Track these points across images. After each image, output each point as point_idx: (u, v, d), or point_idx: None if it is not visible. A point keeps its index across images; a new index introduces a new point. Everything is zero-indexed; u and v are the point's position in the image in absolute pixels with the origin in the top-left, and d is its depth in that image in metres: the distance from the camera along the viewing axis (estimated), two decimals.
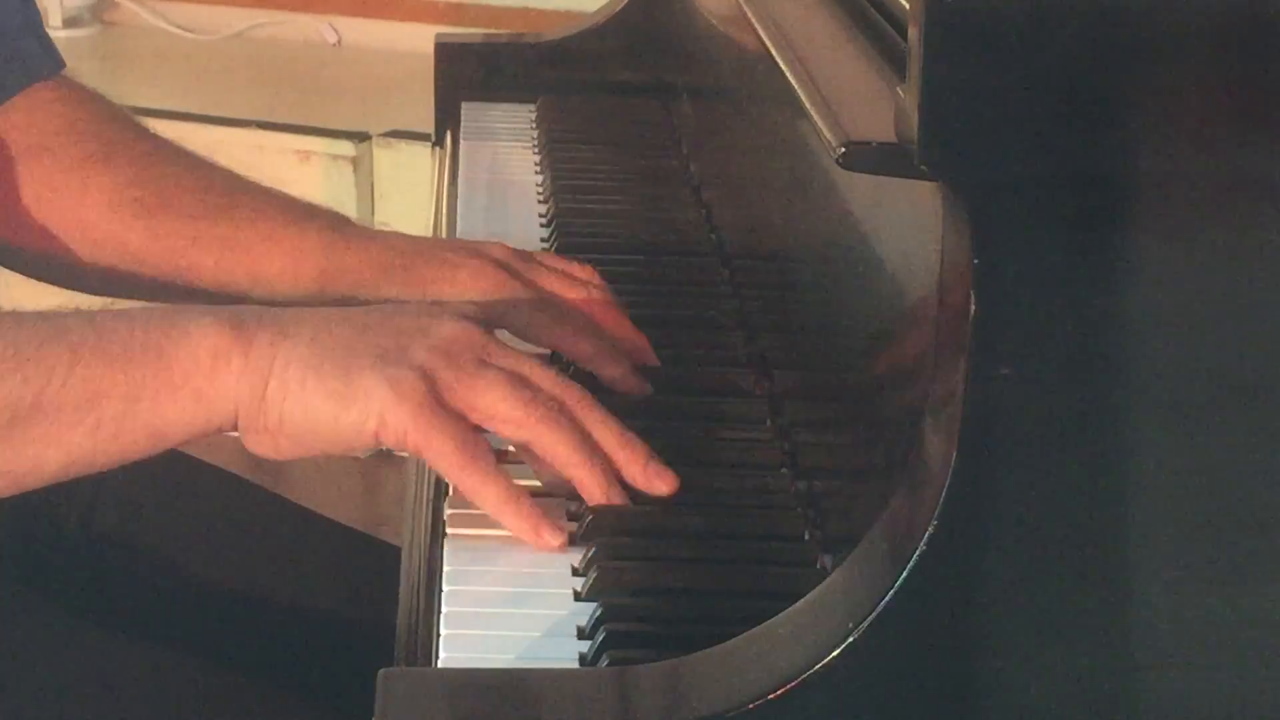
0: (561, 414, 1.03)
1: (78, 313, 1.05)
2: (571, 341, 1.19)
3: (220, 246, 1.28)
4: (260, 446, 1.03)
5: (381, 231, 1.33)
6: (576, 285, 1.23)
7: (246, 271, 1.28)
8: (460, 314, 1.06)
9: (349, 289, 1.25)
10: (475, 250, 1.26)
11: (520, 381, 1.03)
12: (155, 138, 1.37)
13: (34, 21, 1.35)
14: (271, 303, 1.21)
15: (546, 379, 1.05)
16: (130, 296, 1.32)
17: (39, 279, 1.37)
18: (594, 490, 1.04)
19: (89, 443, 1.02)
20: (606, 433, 1.05)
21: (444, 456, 1.01)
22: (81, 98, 1.36)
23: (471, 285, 1.22)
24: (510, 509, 1.02)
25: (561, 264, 1.27)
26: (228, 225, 1.29)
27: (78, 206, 1.32)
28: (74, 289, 1.36)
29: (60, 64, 1.36)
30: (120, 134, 1.35)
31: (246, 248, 1.28)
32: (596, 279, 1.26)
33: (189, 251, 1.29)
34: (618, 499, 1.04)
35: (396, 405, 1.00)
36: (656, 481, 1.05)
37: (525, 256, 1.26)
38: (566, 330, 1.19)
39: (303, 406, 1.01)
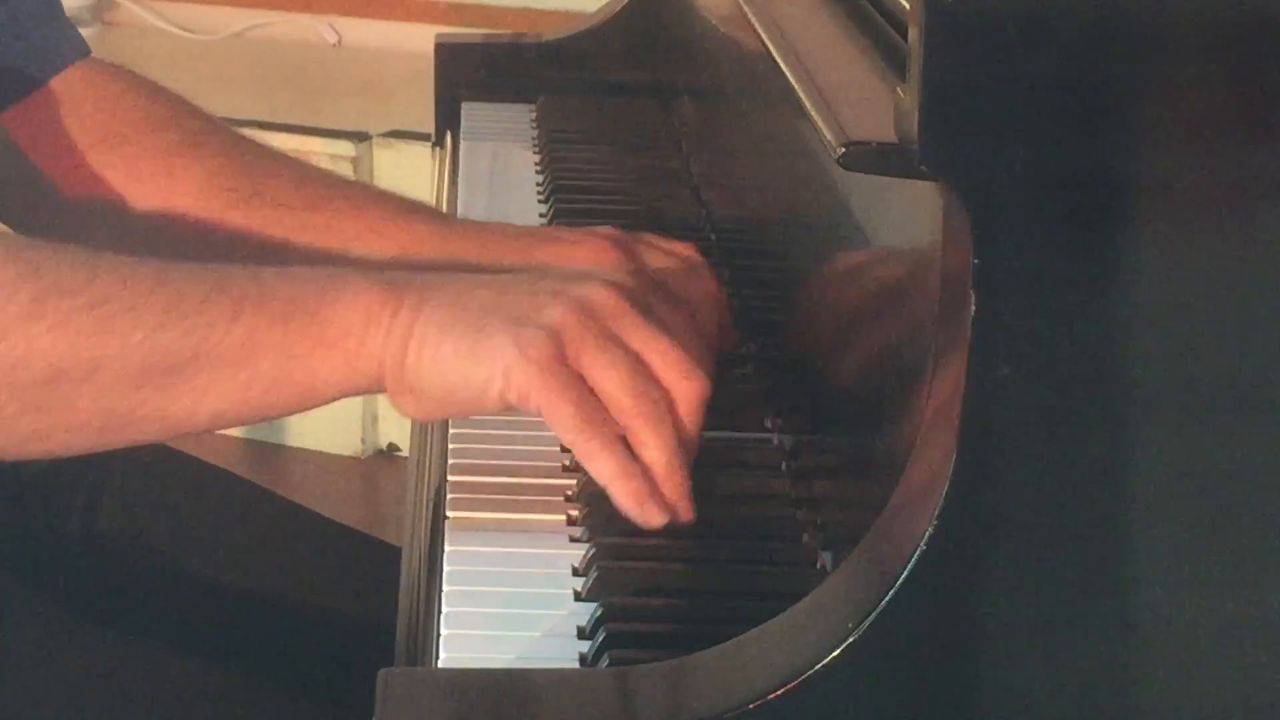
0: (664, 414, 1.02)
1: (242, 268, 1.06)
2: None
3: (324, 235, 1.28)
4: (406, 407, 1.04)
5: (487, 222, 1.32)
6: (684, 270, 1.22)
7: (351, 262, 1.26)
8: (608, 279, 1.06)
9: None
10: (590, 231, 1.27)
11: (639, 368, 1.02)
12: (232, 130, 1.38)
13: (56, 6, 1.35)
14: None
15: (671, 367, 1.04)
16: None
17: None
18: (645, 496, 1.02)
19: (242, 395, 1.03)
20: (687, 435, 1.04)
21: (563, 420, 1.01)
22: (152, 90, 1.36)
23: (592, 262, 1.22)
24: (620, 482, 1.01)
25: (665, 244, 1.27)
26: (329, 215, 1.29)
27: (167, 195, 1.31)
28: None
29: (87, 49, 1.36)
30: (202, 125, 1.35)
31: (352, 237, 1.28)
32: (698, 256, 1.26)
33: (288, 241, 1.29)
34: (658, 519, 1.02)
35: (523, 364, 1.00)
36: (681, 512, 1.03)
37: (634, 237, 1.26)
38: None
39: (438, 367, 1.02)
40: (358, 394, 1.05)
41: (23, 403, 1.01)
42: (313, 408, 1.05)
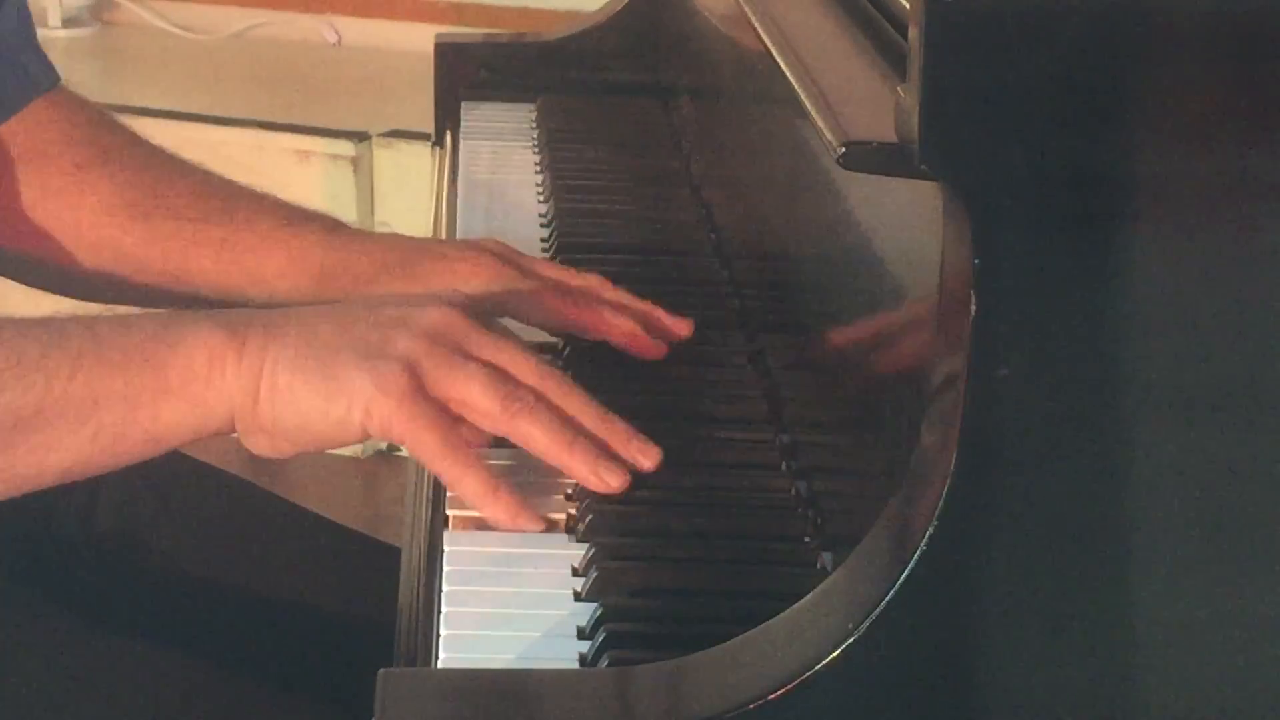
0: (539, 405, 1.05)
1: (76, 319, 1.06)
2: (576, 314, 1.21)
3: (218, 247, 1.30)
4: (259, 446, 1.06)
5: (377, 233, 1.34)
6: (576, 275, 1.25)
7: (245, 272, 1.29)
8: (445, 300, 1.08)
9: (348, 287, 1.27)
10: (473, 244, 1.28)
11: (498, 374, 1.05)
12: (150, 144, 1.39)
13: (31, 36, 1.36)
14: (270, 304, 1.23)
15: (526, 367, 1.06)
16: (126, 302, 1.33)
17: (34, 286, 1.38)
18: (580, 471, 1.05)
19: (89, 448, 1.03)
20: (587, 414, 1.06)
21: (425, 446, 1.03)
22: (76, 106, 1.38)
23: (471, 278, 1.23)
24: (489, 499, 1.04)
25: (559, 269, 1.28)
26: (225, 227, 1.31)
27: (75, 210, 1.33)
28: (70, 295, 1.37)
29: (57, 77, 1.38)
30: (115, 140, 1.37)
31: (245, 248, 1.30)
32: (596, 279, 1.27)
33: (187, 253, 1.31)
34: (610, 476, 1.05)
35: (381, 397, 1.02)
36: (640, 457, 1.07)
37: (521, 254, 1.28)
38: (568, 304, 1.21)
39: (292, 405, 1.03)
40: (209, 437, 1.05)
41: None
42: (162, 453, 1.06)
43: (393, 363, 1.03)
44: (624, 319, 1.20)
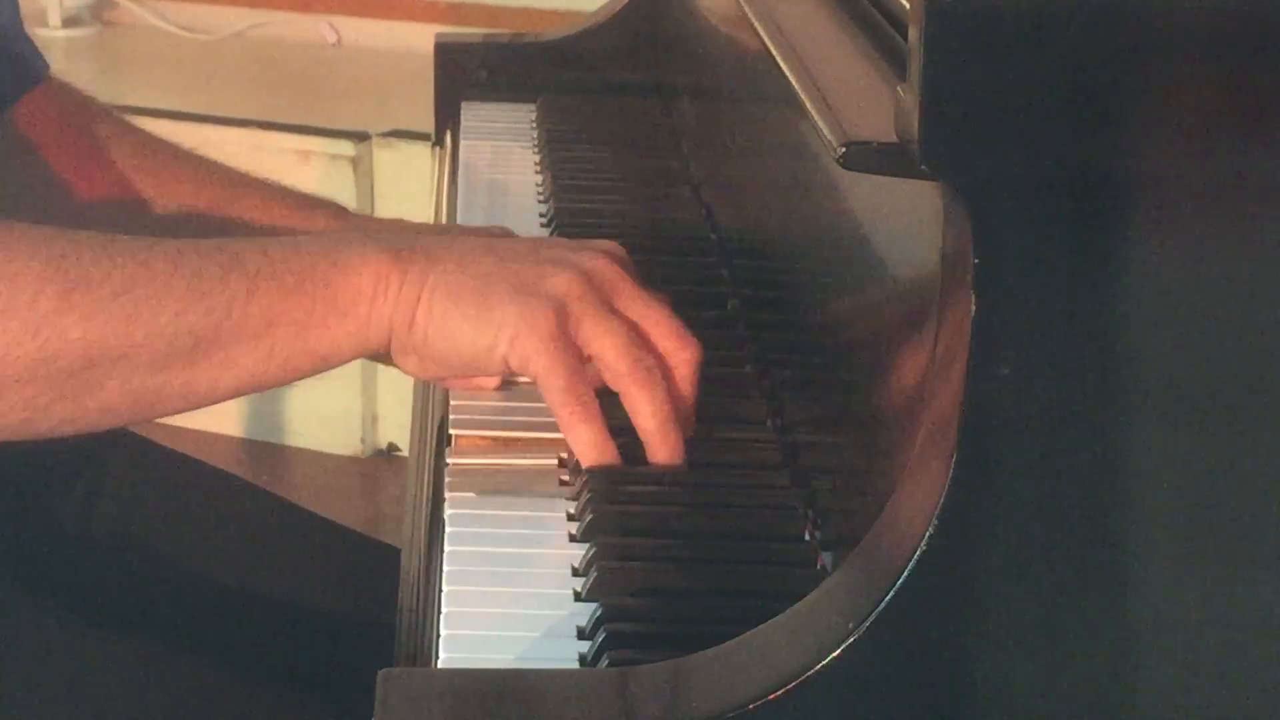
0: (660, 380, 1.09)
1: (250, 241, 1.10)
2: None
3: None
4: (408, 365, 1.11)
5: (383, 219, 1.36)
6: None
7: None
8: (606, 251, 1.13)
9: None
10: (475, 230, 1.31)
11: (636, 336, 1.09)
12: (145, 133, 1.40)
13: (20, 26, 1.38)
14: None
15: (668, 330, 1.11)
16: None
17: None
18: (659, 457, 1.09)
19: (262, 366, 1.08)
20: (689, 399, 1.11)
21: (554, 388, 1.07)
22: (69, 96, 1.39)
23: None
24: (592, 455, 1.08)
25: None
26: (233, 215, 1.33)
27: (74, 198, 1.34)
28: None
29: (47, 66, 1.38)
30: (111, 130, 1.37)
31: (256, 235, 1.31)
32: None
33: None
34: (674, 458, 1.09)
35: (527, 333, 1.07)
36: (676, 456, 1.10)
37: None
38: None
39: (444, 330, 1.08)
40: (369, 354, 1.10)
41: (56, 392, 1.04)
42: (327, 370, 1.10)
43: (544, 300, 1.07)
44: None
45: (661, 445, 1.09)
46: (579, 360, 1.08)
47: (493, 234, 1.16)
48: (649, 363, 1.09)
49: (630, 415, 1.09)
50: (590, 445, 1.08)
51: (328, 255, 1.08)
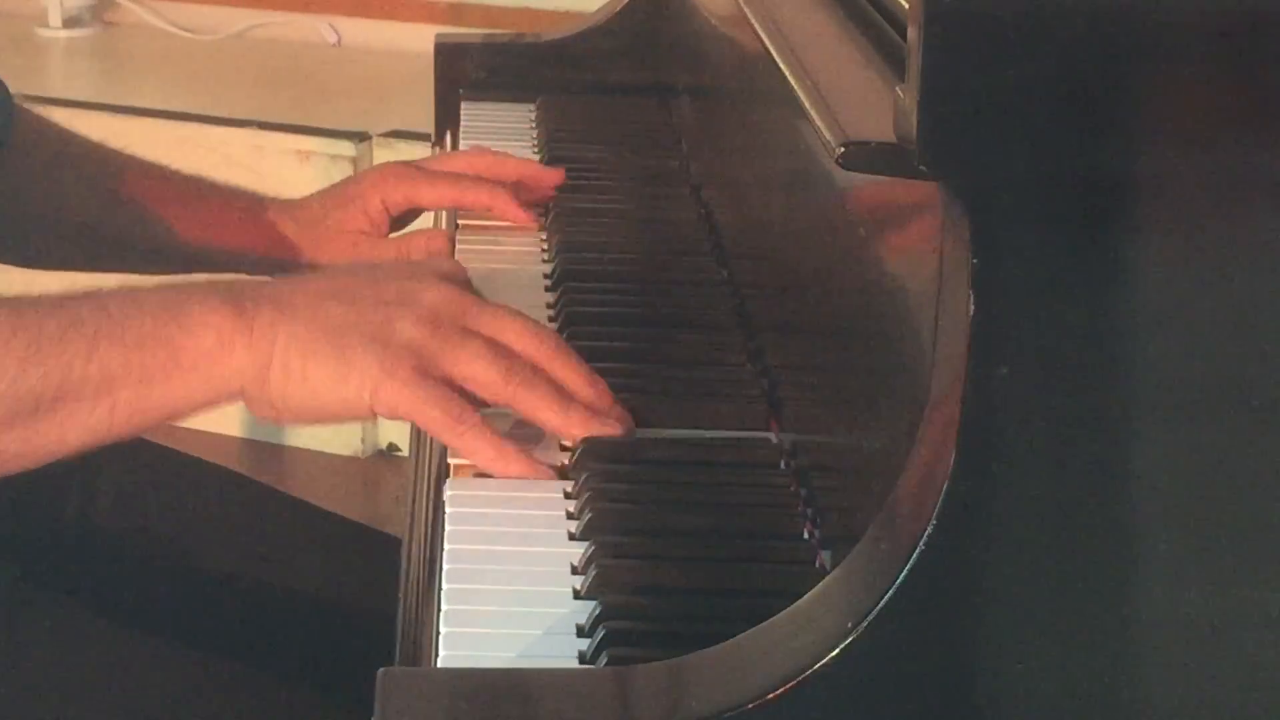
0: (537, 375, 1.11)
1: (88, 297, 1.10)
2: (461, 197, 1.41)
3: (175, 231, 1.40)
4: (262, 414, 1.11)
5: (293, 200, 1.48)
6: (459, 159, 1.42)
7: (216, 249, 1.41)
8: (441, 274, 1.14)
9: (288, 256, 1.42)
10: (374, 167, 1.46)
11: (498, 349, 1.10)
12: (108, 149, 1.46)
13: None
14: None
15: (523, 333, 1.12)
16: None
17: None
18: (575, 430, 1.11)
19: (105, 424, 1.08)
20: (577, 381, 1.13)
21: (434, 422, 1.08)
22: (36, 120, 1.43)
23: (375, 180, 1.39)
24: (500, 462, 1.09)
25: (447, 158, 1.45)
26: (177, 211, 1.42)
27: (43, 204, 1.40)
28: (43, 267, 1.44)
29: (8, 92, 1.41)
30: (68, 143, 1.44)
31: (199, 228, 1.41)
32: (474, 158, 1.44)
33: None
34: (602, 427, 1.11)
35: (388, 381, 1.08)
36: (614, 422, 1.13)
37: (419, 161, 1.45)
38: (458, 190, 1.40)
39: (304, 386, 1.08)
40: (219, 406, 1.11)
41: None
42: (178, 421, 1.11)
43: (398, 348, 1.08)
44: (495, 192, 1.37)
45: (575, 427, 1.11)
46: (447, 390, 1.08)
47: (336, 275, 1.17)
48: (519, 365, 1.10)
49: (531, 419, 1.11)
50: (493, 457, 1.09)
51: (168, 311, 1.09)
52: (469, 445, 1.08)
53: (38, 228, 1.42)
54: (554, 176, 1.49)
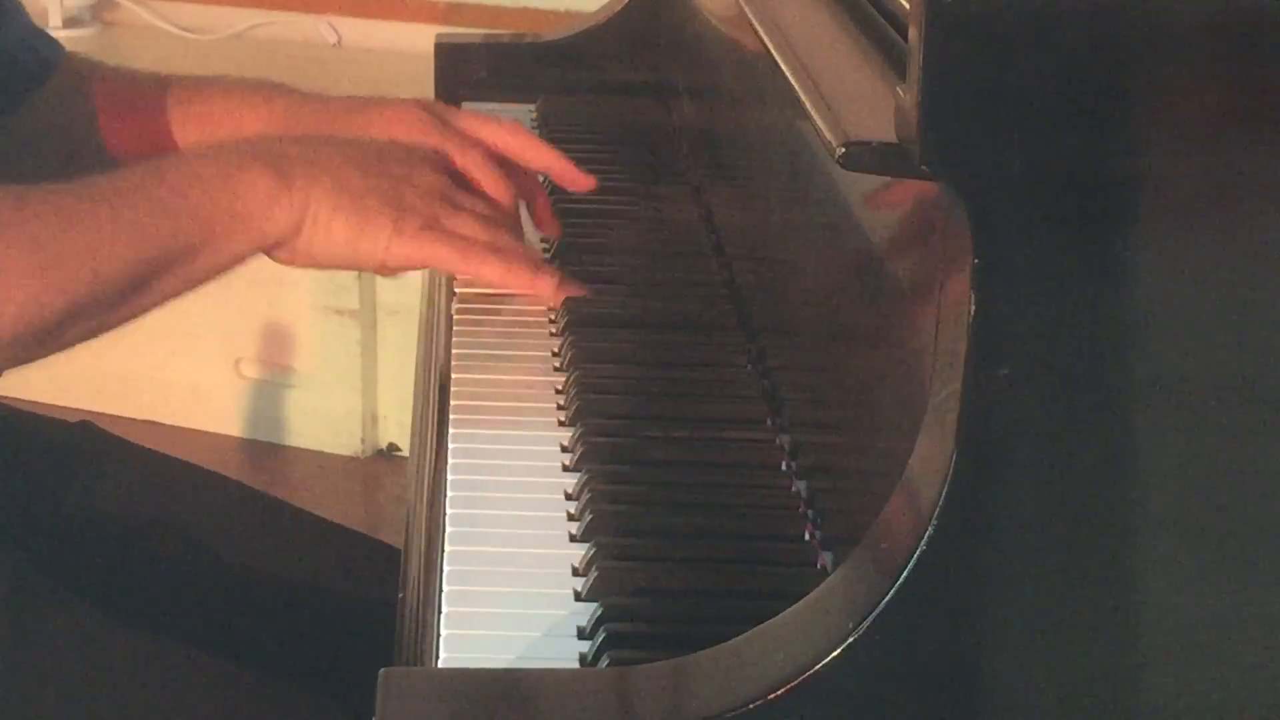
0: (515, 245, 1.30)
1: (150, 175, 1.23)
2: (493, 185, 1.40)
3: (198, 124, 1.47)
4: (281, 258, 1.26)
5: (319, 94, 1.59)
6: (490, 122, 1.43)
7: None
8: (429, 164, 1.32)
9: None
10: (404, 101, 1.51)
11: (486, 219, 1.29)
12: (125, 76, 1.50)
13: (28, 22, 1.46)
14: None
15: (495, 184, 1.34)
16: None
17: None
18: (542, 291, 1.30)
19: (184, 285, 1.23)
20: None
21: (446, 258, 1.27)
22: (78, 68, 1.47)
23: (397, 126, 1.44)
24: (510, 276, 1.28)
25: (477, 120, 1.46)
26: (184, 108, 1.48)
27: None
28: None
29: (61, 49, 1.47)
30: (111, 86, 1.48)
31: (215, 122, 1.46)
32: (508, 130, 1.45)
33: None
34: (565, 290, 1.31)
35: (399, 237, 1.26)
36: (576, 285, 1.32)
37: (448, 109, 1.48)
38: (474, 164, 1.40)
39: (329, 237, 1.25)
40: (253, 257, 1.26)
41: (20, 348, 1.16)
42: (227, 271, 1.26)
43: (408, 211, 1.26)
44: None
45: (543, 289, 1.29)
46: (449, 234, 1.26)
47: (346, 147, 1.32)
48: (501, 235, 1.29)
49: (504, 281, 1.28)
50: (502, 271, 1.28)
51: (222, 177, 1.23)
52: (479, 267, 1.27)
53: (88, 165, 1.43)
54: (585, 182, 1.46)
